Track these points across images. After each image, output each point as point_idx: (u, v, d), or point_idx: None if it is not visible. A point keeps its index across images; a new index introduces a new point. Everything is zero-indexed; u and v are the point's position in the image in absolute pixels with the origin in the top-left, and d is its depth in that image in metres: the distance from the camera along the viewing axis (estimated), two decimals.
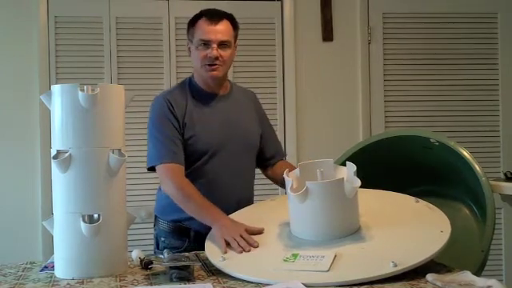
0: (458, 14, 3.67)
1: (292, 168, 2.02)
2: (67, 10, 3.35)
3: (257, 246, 1.79)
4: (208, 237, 1.93)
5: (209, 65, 2.10)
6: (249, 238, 1.82)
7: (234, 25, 2.16)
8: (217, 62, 2.10)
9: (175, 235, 2.18)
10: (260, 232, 1.88)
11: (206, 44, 2.09)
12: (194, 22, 2.15)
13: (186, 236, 2.14)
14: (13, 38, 3.31)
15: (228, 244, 1.81)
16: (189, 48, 2.18)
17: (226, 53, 2.11)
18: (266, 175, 2.35)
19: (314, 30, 3.57)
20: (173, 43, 3.41)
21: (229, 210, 2.06)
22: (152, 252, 2.25)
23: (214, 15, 2.11)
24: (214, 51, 2.08)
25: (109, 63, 3.37)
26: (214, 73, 2.12)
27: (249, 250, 1.78)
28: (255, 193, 2.30)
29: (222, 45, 2.10)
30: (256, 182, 2.31)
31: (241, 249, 1.78)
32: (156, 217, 2.26)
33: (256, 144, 2.26)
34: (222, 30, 2.10)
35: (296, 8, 3.53)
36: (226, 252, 1.78)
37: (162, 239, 2.21)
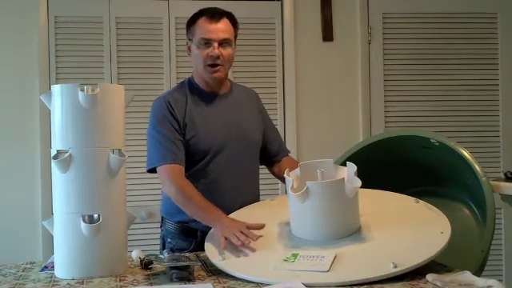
0: (458, 14, 3.66)
1: (296, 165, 2.00)
2: (67, 10, 3.35)
3: (257, 239, 1.78)
4: (208, 237, 1.92)
5: (211, 65, 2.10)
6: (248, 233, 1.80)
7: (234, 23, 2.16)
8: (218, 62, 2.09)
9: (182, 236, 2.16)
10: (261, 227, 1.86)
11: (207, 43, 2.09)
12: (193, 20, 2.14)
13: (193, 237, 2.13)
14: (13, 38, 3.31)
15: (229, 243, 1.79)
16: (188, 47, 2.18)
17: (226, 51, 2.10)
18: (271, 172, 2.35)
19: (314, 30, 3.57)
20: (173, 43, 3.41)
21: (232, 210, 2.06)
22: (153, 252, 2.24)
23: (215, 13, 2.11)
24: (215, 50, 2.08)
25: (109, 63, 3.36)
26: (217, 74, 2.12)
27: (249, 243, 1.76)
28: None
29: (223, 43, 2.10)
30: None
31: (240, 242, 1.76)
32: (162, 218, 2.25)
33: (258, 142, 2.26)
34: (222, 28, 2.10)
35: (296, 8, 3.53)
36: (225, 248, 1.76)
37: (169, 240, 2.19)
